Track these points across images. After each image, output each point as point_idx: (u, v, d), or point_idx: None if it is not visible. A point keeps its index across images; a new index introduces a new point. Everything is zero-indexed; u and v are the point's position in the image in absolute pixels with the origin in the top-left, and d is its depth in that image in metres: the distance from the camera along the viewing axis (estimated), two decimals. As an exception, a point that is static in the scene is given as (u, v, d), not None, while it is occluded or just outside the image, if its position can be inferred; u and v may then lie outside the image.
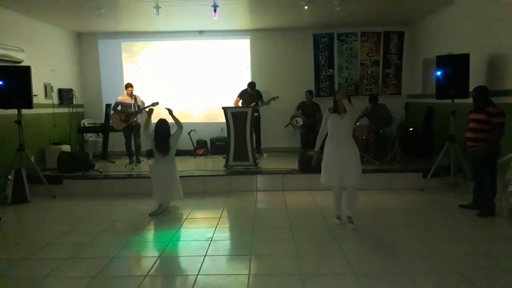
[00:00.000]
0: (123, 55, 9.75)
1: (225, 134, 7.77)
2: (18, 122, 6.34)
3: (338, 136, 4.63)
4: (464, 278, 3.37)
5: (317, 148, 4.87)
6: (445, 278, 3.40)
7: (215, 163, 7.94)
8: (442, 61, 6.29)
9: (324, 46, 9.45)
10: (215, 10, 6.91)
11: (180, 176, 6.21)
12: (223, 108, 7.26)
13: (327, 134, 4.76)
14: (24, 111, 6.48)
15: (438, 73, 6.28)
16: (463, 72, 6.03)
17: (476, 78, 5.98)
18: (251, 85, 8.52)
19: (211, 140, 9.34)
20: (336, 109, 4.69)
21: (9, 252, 4.31)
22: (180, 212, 5.63)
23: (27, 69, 6.37)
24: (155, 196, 5.60)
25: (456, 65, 6.13)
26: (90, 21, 8.14)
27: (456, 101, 6.23)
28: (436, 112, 7.83)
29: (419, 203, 5.84)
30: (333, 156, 4.61)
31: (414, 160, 7.36)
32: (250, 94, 8.47)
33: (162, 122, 5.51)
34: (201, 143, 9.25)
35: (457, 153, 6.19)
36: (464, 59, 6.07)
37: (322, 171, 4.76)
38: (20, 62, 6.94)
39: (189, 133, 8.95)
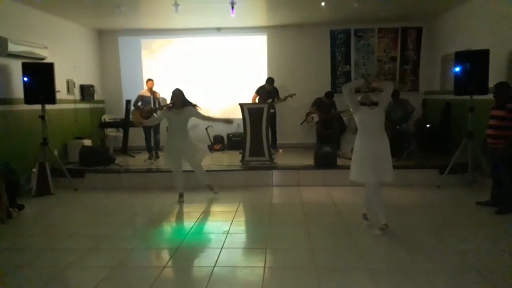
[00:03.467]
0: (143, 52, 9.91)
1: (241, 130, 7.85)
2: (42, 117, 6.54)
3: (371, 130, 4.39)
4: (481, 276, 3.36)
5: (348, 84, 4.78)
6: (462, 275, 3.39)
7: (231, 158, 8.04)
8: (461, 57, 6.22)
9: (341, 42, 9.42)
10: (232, 7, 6.97)
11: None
12: (239, 104, 7.33)
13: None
14: (48, 107, 6.68)
15: (457, 69, 6.22)
16: (482, 68, 5.94)
17: (496, 74, 5.89)
18: (269, 80, 8.55)
19: (228, 135, 9.43)
20: (363, 103, 4.48)
21: (33, 242, 4.47)
22: (197, 206, 5.73)
23: (50, 66, 6.55)
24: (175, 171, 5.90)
25: (476, 61, 6.03)
26: (110, 19, 8.30)
27: (475, 97, 6.16)
28: (454, 108, 7.74)
29: (435, 199, 5.81)
30: (367, 151, 4.37)
31: (431, 157, 7.30)
32: (268, 91, 8.50)
33: (177, 89, 5.80)
34: (218, 139, 9.37)
35: (475, 149, 6.13)
36: (483, 54, 5.97)
37: (353, 167, 4.52)
38: (43, 59, 7.13)
39: (206, 128, 9.07)
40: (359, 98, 4.59)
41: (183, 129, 5.74)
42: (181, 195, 5.92)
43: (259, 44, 9.70)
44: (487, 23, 6.60)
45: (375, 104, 4.48)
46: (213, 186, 6.21)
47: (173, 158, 5.81)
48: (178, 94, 5.73)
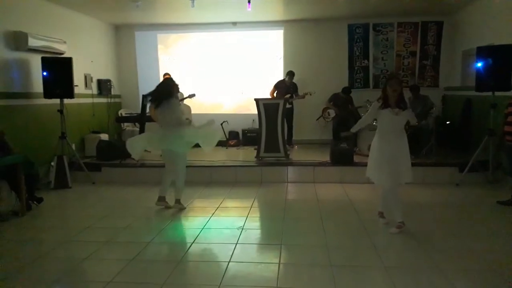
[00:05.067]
0: (159, 46, 9.95)
1: (256, 125, 7.82)
2: (60, 111, 6.63)
3: (391, 134, 4.23)
4: (500, 276, 3.29)
5: (353, 130, 4.80)
6: (479, 275, 3.33)
7: (246, 154, 8.01)
8: (483, 52, 6.06)
9: (359, 36, 9.28)
10: (249, 1, 6.91)
11: (213, 166, 6.28)
12: (255, 99, 7.28)
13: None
14: (66, 101, 6.76)
15: (479, 64, 6.07)
16: (505, 63, 5.80)
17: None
18: (290, 73, 8.42)
19: (243, 131, 9.42)
20: (387, 104, 4.21)
21: (51, 234, 4.54)
22: (212, 201, 5.72)
23: (69, 60, 6.62)
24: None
25: (498, 56, 5.88)
26: (127, 13, 8.34)
27: (497, 93, 6.00)
28: (475, 105, 7.56)
29: (454, 198, 5.70)
30: (385, 152, 4.22)
31: (450, 154, 7.16)
32: (287, 86, 8.42)
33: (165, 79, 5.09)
34: (233, 134, 9.36)
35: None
36: (506, 50, 5.83)
37: (371, 165, 4.42)
38: (62, 54, 7.21)
39: (221, 124, 9.06)
40: (388, 83, 4.19)
41: (172, 123, 5.12)
42: (161, 199, 5.34)
43: (275, 39, 9.63)
44: (510, 17, 6.40)
45: (402, 107, 4.19)
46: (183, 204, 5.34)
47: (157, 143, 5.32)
48: (160, 85, 5.20)
